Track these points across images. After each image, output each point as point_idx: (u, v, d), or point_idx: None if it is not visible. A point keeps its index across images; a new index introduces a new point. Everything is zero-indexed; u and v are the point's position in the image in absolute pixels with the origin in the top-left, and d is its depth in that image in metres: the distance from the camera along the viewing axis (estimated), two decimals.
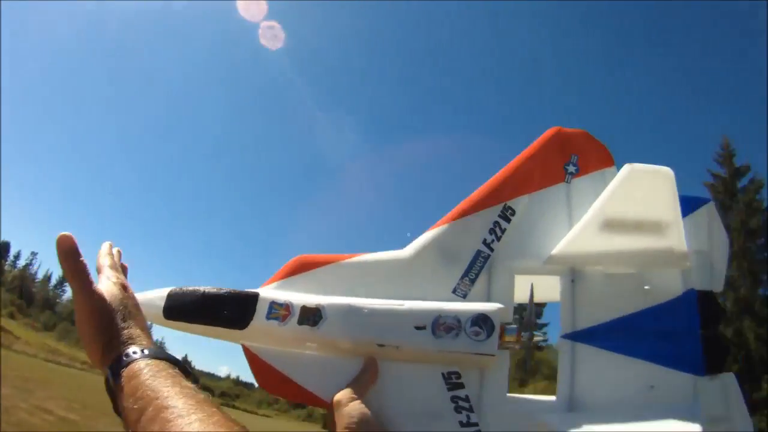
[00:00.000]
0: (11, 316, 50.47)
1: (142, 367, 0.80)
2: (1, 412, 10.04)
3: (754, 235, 24.44)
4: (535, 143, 1.38)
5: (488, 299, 1.23)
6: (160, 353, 0.85)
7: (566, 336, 1.24)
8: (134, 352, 0.83)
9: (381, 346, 1.12)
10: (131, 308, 0.92)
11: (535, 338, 1.26)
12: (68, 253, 0.90)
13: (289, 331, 1.13)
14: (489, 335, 1.15)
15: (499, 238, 1.27)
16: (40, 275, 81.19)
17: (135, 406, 0.75)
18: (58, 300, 79.67)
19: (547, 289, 1.32)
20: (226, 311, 1.13)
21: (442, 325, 1.15)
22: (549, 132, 1.39)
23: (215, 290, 1.16)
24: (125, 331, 0.87)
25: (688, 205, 1.35)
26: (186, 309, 1.14)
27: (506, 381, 1.20)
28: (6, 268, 73.67)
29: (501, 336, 1.18)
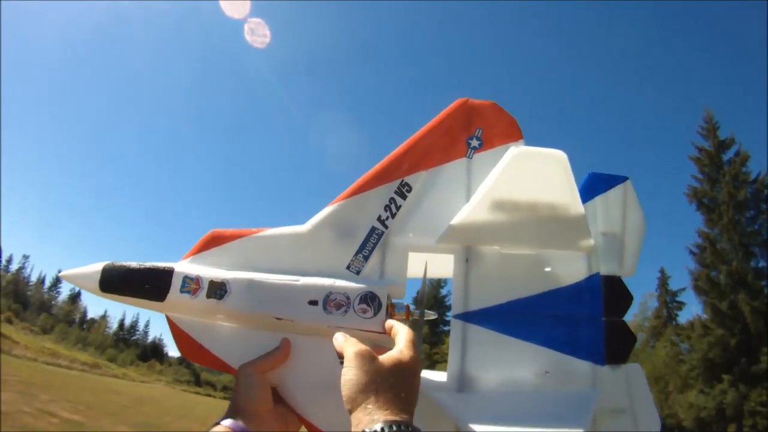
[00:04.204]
0: (8, 321, 50.29)
1: None
2: (5, 418, 10.10)
3: (743, 207, 24.35)
4: (440, 115, 1.33)
5: (381, 276, 1.24)
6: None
7: (458, 316, 1.23)
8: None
9: (278, 319, 1.17)
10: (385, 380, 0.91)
11: (427, 316, 1.26)
12: None
13: (200, 304, 1.18)
14: (376, 313, 1.16)
15: (393, 215, 1.26)
16: (33, 278, 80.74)
17: None
18: (53, 302, 79.32)
19: (447, 266, 1.30)
20: (147, 285, 1.18)
21: (332, 302, 1.18)
22: (455, 104, 1.34)
23: (138, 265, 1.20)
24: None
25: (602, 184, 1.35)
26: (117, 283, 1.18)
27: None
28: None
29: (391, 313, 1.19)
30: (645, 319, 32.10)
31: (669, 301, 31.79)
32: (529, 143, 1.31)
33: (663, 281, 32.27)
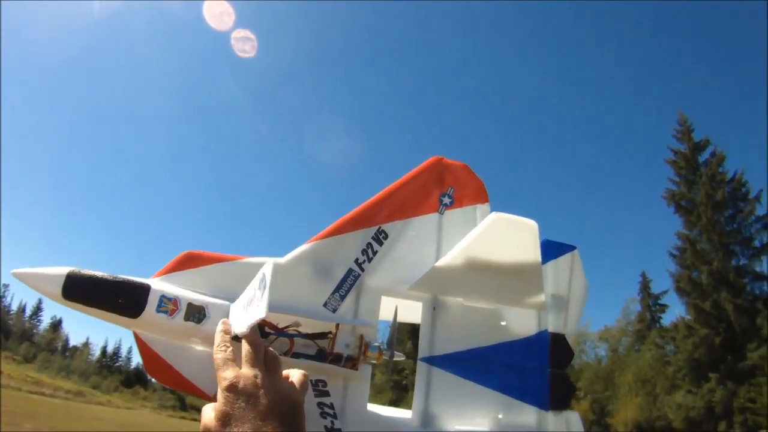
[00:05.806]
0: None
1: None
2: None
3: (721, 207, 24.24)
4: (416, 170, 1.45)
5: (355, 316, 1.30)
6: None
7: (423, 359, 1.34)
8: None
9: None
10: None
11: (396, 357, 1.33)
12: None
13: (177, 325, 1.18)
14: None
15: (370, 260, 1.34)
16: (14, 307, 79.20)
17: None
18: (35, 330, 77.63)
19: (415, 311, 1.40)
20: (121, 299, 1.15)
21: None
22: (430, 161, 1.47)
23: (112, 277, 1.17)
24: None
25: (554, 251, 1.51)
26: (84, 292, 1.13)
27: (367, 393, 1.28)
28: None
29: (364, 352, 1.26)
30: (628, 324, 32.12)
31: (652, 305, 31.77)
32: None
33: (645, 285, 32.33)
